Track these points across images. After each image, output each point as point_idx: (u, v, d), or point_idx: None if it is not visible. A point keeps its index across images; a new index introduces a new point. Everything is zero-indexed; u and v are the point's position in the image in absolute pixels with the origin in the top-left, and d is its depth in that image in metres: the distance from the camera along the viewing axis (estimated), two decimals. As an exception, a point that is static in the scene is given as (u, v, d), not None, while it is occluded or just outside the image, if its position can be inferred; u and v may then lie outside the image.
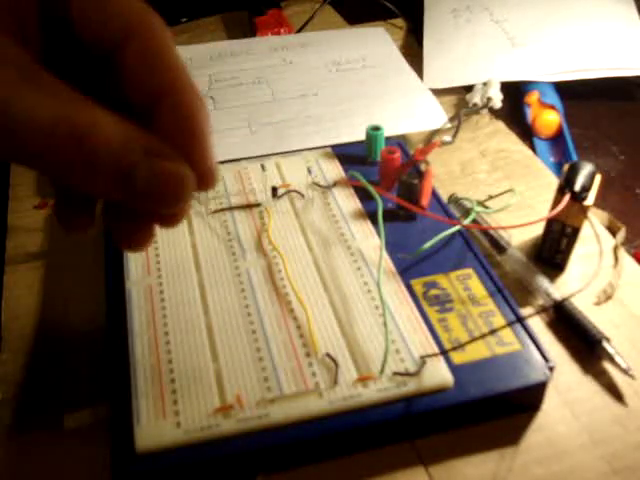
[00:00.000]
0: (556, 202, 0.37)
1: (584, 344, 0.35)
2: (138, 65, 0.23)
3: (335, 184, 0.42)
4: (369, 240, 0.38)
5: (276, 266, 0.36)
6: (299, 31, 0.68)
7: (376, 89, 0.55)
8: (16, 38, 0.21)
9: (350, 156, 0.44)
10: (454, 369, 0.30)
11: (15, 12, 0.22)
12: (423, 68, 0.59)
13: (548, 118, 0.53)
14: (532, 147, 0.52)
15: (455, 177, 0.47)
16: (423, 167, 0.42)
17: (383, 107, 0.52)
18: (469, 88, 0.55)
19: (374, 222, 0.38)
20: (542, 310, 0.37)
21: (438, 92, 0.54)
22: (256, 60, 0.60)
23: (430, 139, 0.51)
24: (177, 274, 0.36)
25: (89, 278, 0.39)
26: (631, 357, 0.33)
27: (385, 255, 0.36)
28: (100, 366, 0.33)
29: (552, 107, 0.53)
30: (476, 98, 0.54)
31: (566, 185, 0.36)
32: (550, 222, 0.38)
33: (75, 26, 0.23)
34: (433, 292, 0.35)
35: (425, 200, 0.39)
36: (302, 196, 0.41)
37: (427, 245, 0.36)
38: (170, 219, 0.25)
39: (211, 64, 0.60)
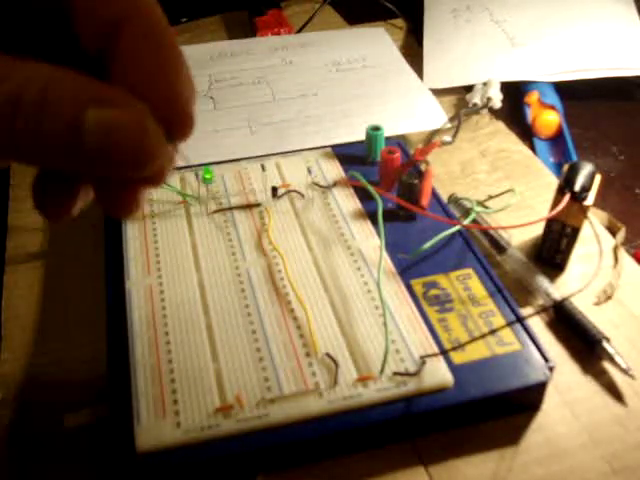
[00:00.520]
0: (556, 202, 0.37)
1: (584, 344, 0.35)
2: None
3: (335, 184, 0.42)
4: (369, 240, 0.38)
5: (276, 266, 0.36)
6: (299, 31, 0.68)
7: (376, 89, 0.55)
8: None
9: (350, 156, 0.44)
10: (454, 369, 0.30)
11: None
12: (423, 68, 0.59)
13: (548, 118, 0.53)
14: (532, 147, 0.52)
15: (455, 177, 0.47)
16: (423, 167, 0.42)
17: (383, 107, 0.52)
18: (469, 88, 0.55)
19: (374, 222, 0.38)
20: (542, 310, 0.37)
21: (438, 92, 0.54)
22: (256, 60, 0.60)
23: (430, 139, 0.51)
24: (177, 274, 0.36)
25: (89, 278, 0.39)
26: (631, 357, 0.33)
27: (385, 255, 0.36)
28: (100, 366, 0.33)
29: (552, 107, 0.53)
30: (476, 98, 0.54)
31: (566, 185, 0.36)
32: (550, 222, 0.38)
33: None
34: (433, 292, 0.35)
35: (425, 200, 0.39)
36: (302, 196, 0.41)
37: (427, 245, 0.36)
38: (151, 179, 0.21)
39: (211, 64, 0.60)
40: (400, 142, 0.45)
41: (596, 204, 0.38)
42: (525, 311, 0.37)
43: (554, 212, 0.36)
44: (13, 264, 0.41)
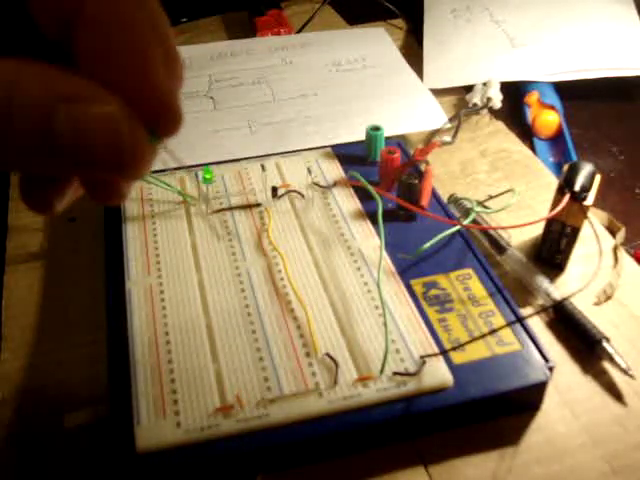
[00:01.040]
0: (556, 202, 0.37)
1: (584, 344, 0.35)
2: None
3: (335, 184, 0.42)
4: (369, 240, 0.38)
5: (276, 266, 0.36)
6: (299, 31, 0.68)
7: (376, 89, 0.55)
8: None
9: (350, 156, 0.44)
10: (454, 369, 0.30)
11: None
12: (423, 68, 0.59)
13: (548, 118, 0.53)
14: (532, 147, 0.52)
15: (455, 177, 0.47)
16: (423, 167, 0.42)
17: (383, 107, 0.52)
18: (469, 88, 0.55)
19: (374, 222, 0.38)
20: (542, 310, 0.37)
21: (438, 92, 0.54)
22: (256, 60, 0.60)
23: (430, 139, 0.51)
24: (177, 274, 0.36)
25: (89, 278, 0.39)
26: (631, 357, 0.33)
27: (385, 255, 0.36)
28: (100, 366, 0.33)
29: (552, 107, 0.53)
30: (476, 98, 0.54)
31: (566, 185, 0.36)
32: (550, 222, 0.38)
33: None
34: (433, 292, 0.35)
35: (425, 200, 0.39)
36: (302, 196, 0.41)
37: (427, 245, 0.36)
38: (131, 174, 0.20)
39: (211, 64, 0.60)
40: (400, 142, 0.45)
41: (596, 204, 0.38)
42: (525, 311, 0.37)
43: (554, 212, 0.36)
44: (13, 264, 0.41)
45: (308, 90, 0.55)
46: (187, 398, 0.29)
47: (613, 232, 0.42)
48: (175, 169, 0.42)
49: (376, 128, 0.44)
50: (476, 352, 0.31)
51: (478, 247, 0.38)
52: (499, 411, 0.31)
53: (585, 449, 0.30)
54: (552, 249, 0.39)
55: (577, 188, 0.36)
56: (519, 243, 0.41)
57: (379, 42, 0.63)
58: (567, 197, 0.36)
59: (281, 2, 0.73)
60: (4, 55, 0.17)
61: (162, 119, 0.19)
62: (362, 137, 0.44)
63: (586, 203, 0.36)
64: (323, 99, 0.54)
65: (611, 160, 0.51)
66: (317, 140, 0.48)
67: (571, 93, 0.56)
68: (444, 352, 0.31)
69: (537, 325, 0.36)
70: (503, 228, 0.41)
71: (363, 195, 0.40)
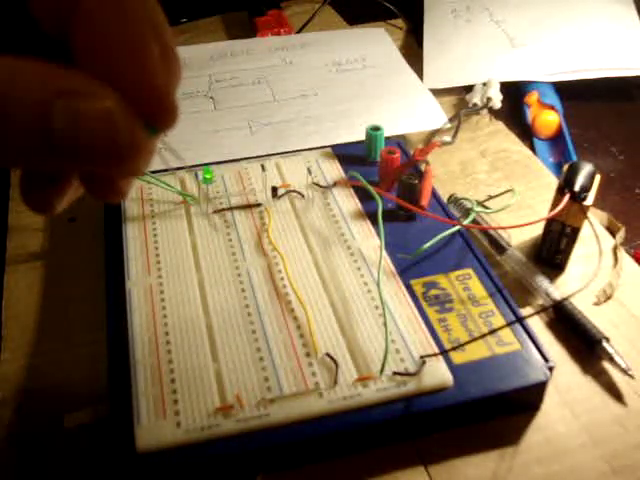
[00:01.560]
0: (556, 202, 0.37)
1: (584, 344, 0.35)
2: None
3: (335, 184, 0.42)
4: (369, 240, 0.38)
5: (276, 266, 0.36)
6: (299, 31, 0.68)
7: (376, 89, 0.55)
8: None
9: (350, 156, 0.44)
10: (454, 369, 0.30)
11: None
12: (423, 68, 0.59)
13: (548, 118, 0.53)
14: (532, 147, 0.52)
15: (455, 177, 0.47)
16: (423, 167, 0.42)
17: (383, 107, 0.52)
18: (469, 88, 0.55)
19: (374, 222, 0.38)
20: (542, 310, 0.37)
21: (438, 92, 0.54)
22: (256, 60, 0.60)
23: (430, 139, 0.51)
24: (177, 274, 0.36)
25: (89, 278, 0.39)
26: (630, 357, 0.33)
27: (385, 255, 0.36)
28: (100, 366, 0.33)
29: (552, 107, 0.53)
30: (476, 98, 0.54)
31: (566, 185, 0.36)
32: (550, 222, 0.38)
33: None
34: (433, 292, 0.35)
35: (425, 200, 0.39)
36: (302, 196, 0.41)
37: (427, 245, 0.36)
38: (130, 170, 0.20)
39: (211, 64, 0.60)
40: (400, 142, 0.45)
41: (596, 204, 0.38)
42: (525, 311, 0.37)
43: (554, 212, 0.36)
44: (13, 264, 0.41)
45: (308, 90, 0.55)
46: (187, 398, 0.29)
47: (613, 232, 0.42)
48: (175, 169, 0.42)
49: (376, 128, 0.44)
50: (476, 352, 0.31)
51: (478, 247, 0.38)
52: (499, 411, 0.31)
53: (585, 449, 0.30)
54: (552, 249, 0.39)
55: (577, 188, 0.36)
56: (519, 243, 0.41)
57: (379, 42, 0.63)
58: (567, 197, 0.36)
59: (281, 2, 0.73)
60: (2, 52, 0.17)
61: (159, 113, 0.19)
62: (362, 137, 0.44)
63: (586, 203, 0.36)
64: (323, 99, 0.54)
65: (611, 160, 0.51)
66: (317, 140, 0.48)
67: (571, 93, 0.56)
68: (444, 352, 0.31)
69: (537, 325, 0.36)
70: (503, 228, 0.41)
71: (363, 195, 0.41)
